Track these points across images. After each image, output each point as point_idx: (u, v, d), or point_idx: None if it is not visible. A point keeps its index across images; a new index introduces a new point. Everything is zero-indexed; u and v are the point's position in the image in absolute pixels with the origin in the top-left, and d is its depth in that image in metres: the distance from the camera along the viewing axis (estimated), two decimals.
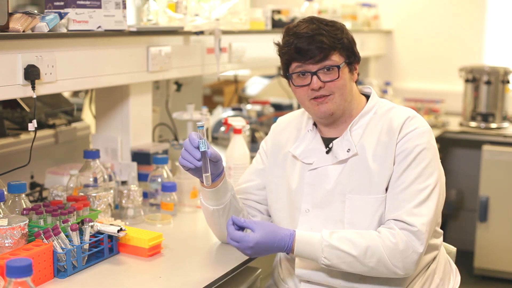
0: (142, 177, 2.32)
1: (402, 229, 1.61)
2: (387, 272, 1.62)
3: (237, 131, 2.45)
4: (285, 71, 1.76)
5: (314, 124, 1.83)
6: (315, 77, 1.69)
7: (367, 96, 1.82)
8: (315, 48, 1.67)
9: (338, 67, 1.69)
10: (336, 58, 1.69)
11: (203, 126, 1.68)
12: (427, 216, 1.63)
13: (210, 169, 1.69)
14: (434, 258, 1.79)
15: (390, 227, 1.63)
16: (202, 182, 1.72)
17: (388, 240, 1.60)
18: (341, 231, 1.66)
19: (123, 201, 2.13)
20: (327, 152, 1.75)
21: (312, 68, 1.69)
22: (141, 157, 2.35)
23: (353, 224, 1.69)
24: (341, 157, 1.72)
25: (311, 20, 1.72)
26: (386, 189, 1.68)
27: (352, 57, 1.74)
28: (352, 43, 1.75)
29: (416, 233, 1.61)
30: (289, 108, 3.78)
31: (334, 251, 1.61)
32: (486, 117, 3.96)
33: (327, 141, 1.78)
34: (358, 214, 1.69)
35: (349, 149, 1.72)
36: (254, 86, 4.32)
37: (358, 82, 1.83)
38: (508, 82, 3.94)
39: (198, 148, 1.66)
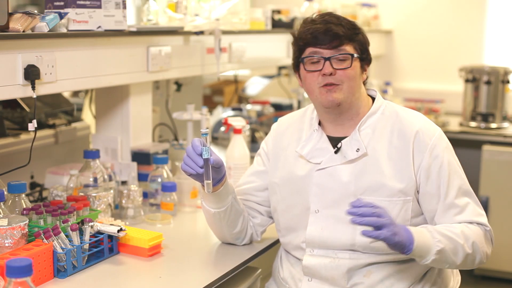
0: (142, 177, 2.32)
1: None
2: (477, 257, 1.69)
3: (237, 131, 2.45)
4: (298, 58, 1.77)
5: (319, 124, 1.83)
6: (327, 63, 1.70)
7: (372, 98, 1.83)
8: (331, 34, 1.70)
9: (352, 56, 1.71)
10: (350, 49, 1.72)
11: (207, 134, 1.68)
12: (484, 212, 1.76)
13: (212, 175, 1.70)
14: None
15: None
16: (203, 186, 1.72)
17: (472, 228, 1.69)
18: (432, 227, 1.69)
19: (123, 201, 2.13)
20: (336, 152, 1.75)
21: (326, 53, 1.71)
22: (141, 157, 2.35)
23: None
24: (350, 156, 1.72)
25: (330, 13, 1.77)
26: (404, 194, 1.69)
27: (364, 55, 1.77)
28: (367, 42, 1.79)
29: (490, 232, 1.74)
30: (289, 108, 3.78)
31: (441, 237, 1.63)
32: (486, 117, 3.95)
33: (333, 141, 1.78)
34: None
35: (358, 149, 1.72)
36: (254, 86, 4.32)
37: (364, 83, 1.84)
38: (508, 82, 3.94)
39: (200, 155, 1.67)
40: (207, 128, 1.74)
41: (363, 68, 1.78)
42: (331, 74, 1.70)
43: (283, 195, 1.83)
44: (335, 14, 1.77)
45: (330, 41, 1.70)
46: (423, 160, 1.71)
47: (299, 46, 1.76)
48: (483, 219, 1.73)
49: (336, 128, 1.79)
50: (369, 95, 1.84)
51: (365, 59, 1.78)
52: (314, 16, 1.77)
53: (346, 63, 1.71)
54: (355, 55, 1.72)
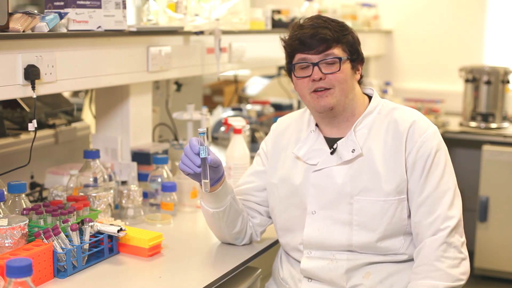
0: (142, 177, 2.32)
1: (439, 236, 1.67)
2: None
3: (237, 131, 2.45)
4: (289, 64, 1.76)
5: (317, 125, 1.83)
6: (316, 68, 1.69)
7: (369, 97, 1.82)
8: (318, 39, 1.69)
9: (340, 59, 1.70)
10: (338, 52, 1.71)
11: (204, 133, 1.68)
12: (458, 213, 1.69)
13: (210, 175, 1.69)
14: None
15: (430, 246, 1.67)
16: (201, 185, 1.72)
17: (436, 271, 1.65)
18: None
19: (123, 201, 2.13)
20: (332, 153, 1.75)
21: (314, 59, 1.70)
22: (141, 157, 2.35)
23: (361, 225, 1.69)
24: (346, 157, 1.72)
25: (318, 16, 1.76)
26: (398, 193, 1.69)
27: (355, 55, 1.75)
28: (356, 42, 1.76)
29: (455, 229, 1.67)
30: (289, 108, 3.78)
31: None
32: (486, 117, 3.95)
33: (330, 142, 1.78)
34: (367, 216, 1.69)
35: (353, 150, 1.72)
36: (254, 86, 4.32)
37: (359, 82, 1.83)
38: (508, 82, 3.94)
39: (198, 154, 1.67)
40: (205, 128, 1.74)
41: (356, 68, 1.77)
42: (320, 79, 1.70)
43: (281, 196, 1.83)
44: (324, 16, 1.76)
45: (317, 45, 1.69)
46: (409, 156, 1.70)
47: (288, 52, 1.76)
48: (450, 222, 1.67)
49: (332, 130, 1.79)
50: (366, 93, 1.84)
51: (356, 59, 1.76)
52: (302, 20, 1.76)
53: (335, 66, 1.70)
54: (344, 57, 1.71)
